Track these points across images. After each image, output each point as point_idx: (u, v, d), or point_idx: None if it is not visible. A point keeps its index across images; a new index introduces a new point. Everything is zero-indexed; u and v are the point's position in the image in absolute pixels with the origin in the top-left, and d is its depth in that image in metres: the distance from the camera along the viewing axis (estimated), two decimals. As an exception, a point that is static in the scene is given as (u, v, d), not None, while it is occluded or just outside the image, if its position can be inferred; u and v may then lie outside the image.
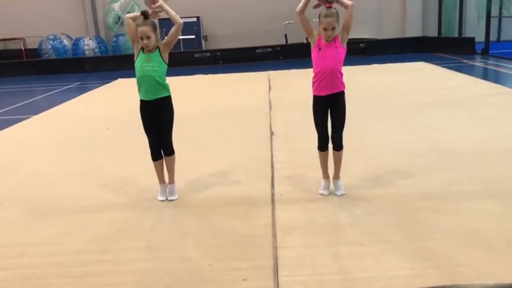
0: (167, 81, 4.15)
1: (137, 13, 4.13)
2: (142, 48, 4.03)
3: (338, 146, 4.13)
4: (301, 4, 3.94)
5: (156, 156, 4.26)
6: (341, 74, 4.01)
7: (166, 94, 4.13)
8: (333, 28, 3.84)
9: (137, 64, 4.06)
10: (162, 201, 4.29)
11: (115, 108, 9.06)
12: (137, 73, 4.06)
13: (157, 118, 4.12)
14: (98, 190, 4.69)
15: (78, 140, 6.73)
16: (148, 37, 3.93)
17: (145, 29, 3.91)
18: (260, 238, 3.50)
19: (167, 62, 4.11)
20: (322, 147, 4.16)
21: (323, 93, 3.99)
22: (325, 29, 3.85)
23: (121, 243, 3.54)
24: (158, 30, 4.07)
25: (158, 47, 4.06)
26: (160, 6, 4.05)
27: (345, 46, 3.96)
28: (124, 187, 4.72)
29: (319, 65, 3.95)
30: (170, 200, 4.30)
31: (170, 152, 4.26)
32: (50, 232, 3.80)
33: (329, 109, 4.04)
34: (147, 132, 4.20)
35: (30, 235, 3.78)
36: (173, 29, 4.04)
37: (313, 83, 4.05)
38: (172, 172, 4.34)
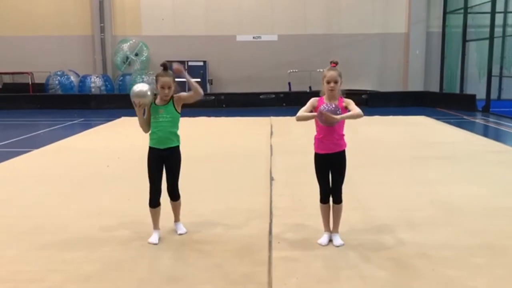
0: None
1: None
2: (153, 102, 4.16)
3: (337, 200, 4.16)
4: (301, 117, 4.02)
5: (155, 203, 4.27)
6: (342, 135, 4.08)
7: (176, 144, 4.23)
8: (336, 82, 3.94)
9: (152, 116, 4.16)
10: (155, 244, 4.20)
11: (116, 145, 9.08)
12: (152, 124, 4.16)
13: (165, 165, 4.21)
14: (93, 227, 4.62)
15: (77, 176, 6.71)
16: (170, 87, 4.09)
17: (167, 79, 4.08)
18: (256, 287, 3.43)
19: (179, 111, 4.23)
20: (324, 200, 4.19)
21: (324, 152, 4.05)
22: (328, 82, 3.96)
23: (110, 284, 3.47)
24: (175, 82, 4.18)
25: (172, 98, 4.17)
26: (182, 74, 4.14)
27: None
28: (120, 226, 4.66)
29: (320, 126, 4.01)
30: (180, 234, 4.38)
31: (177, 197, 4.36)
32: (39, 269, 3.74)
33: (330, 165, 4.09)
34: (151, 179, 4.22)
35: (21, 270, 3.71)
36: (191, 94, 4.15)
37: (315, 141, 4.12)
38: (178, 213, 4.47)
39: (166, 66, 4.13)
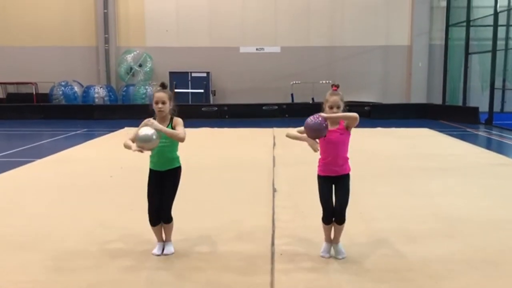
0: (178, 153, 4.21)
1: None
2: None
3: (340, 221, 4.11)
4: (290, 135, 4.15)
5: (154, 222, 4.22)
6: (347, 159, 4.06)
7: (176, 165, 4.19)
8: (338, 107, 3.94)
9: None
10: (158, 255, 4.20)
11: (119, 156, 9.07)
12: None
13: (163, 185, 4.15)
14: (95, 238, 4.62)
15: (80, 186, 6.72)
16: (164, 102, 4.04)
17: (162, 94, 4.06)
18: (257, 298, 3.42)
19: None
20: (327, 221, 4.14)
21: (327, 174, 4.04)
22: (331, 107, 3.94)
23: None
24: (173, 101, 4.14)
25: (171, 120, 4.13)
26: (157, 129, 3.91)
27: (350, 132, 4.01)
28: (122, 236, 4.66)
29: (323, 150, 4.01)
30: (166, 254, 4.22)
31: (169, 219, 4.23)
32: (41, 279, 3.73)
33: (333, 189, 4.07)
34: (150, 198, 4.20)
35: (22, 280, 3.71)
36: (176, 133, 4.01)
37: (319, 164, 4.11)
38: (169, 234, 4.32)
39: (164, 85, 4.17)
